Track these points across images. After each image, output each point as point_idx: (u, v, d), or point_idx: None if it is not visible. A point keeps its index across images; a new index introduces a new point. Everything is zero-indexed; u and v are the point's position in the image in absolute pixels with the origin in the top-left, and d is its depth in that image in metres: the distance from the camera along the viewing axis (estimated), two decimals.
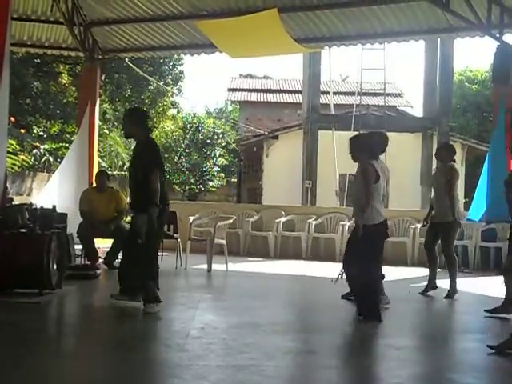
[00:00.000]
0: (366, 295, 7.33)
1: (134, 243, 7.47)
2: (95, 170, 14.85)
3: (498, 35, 11.83)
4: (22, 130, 26.70)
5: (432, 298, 9.41)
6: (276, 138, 27.37)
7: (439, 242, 9.49)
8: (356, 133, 9.65)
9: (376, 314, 7.28)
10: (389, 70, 58.01)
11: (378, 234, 7.38)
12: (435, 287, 9.52)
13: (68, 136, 28.71)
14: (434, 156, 10.53)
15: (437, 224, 9.35)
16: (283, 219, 15.13)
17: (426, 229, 9.72)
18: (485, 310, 7.87)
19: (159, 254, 8.03)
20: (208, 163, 30.06)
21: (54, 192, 14.31)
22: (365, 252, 7.29)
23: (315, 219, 14.99)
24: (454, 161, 9.50)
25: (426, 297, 9.42)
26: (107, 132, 30.58)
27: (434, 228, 9.44)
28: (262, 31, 12.97)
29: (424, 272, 9.94)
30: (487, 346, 5.94)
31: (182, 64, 30.19)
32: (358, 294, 7.41)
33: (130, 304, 7.64)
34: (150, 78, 26.89)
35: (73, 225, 11.24)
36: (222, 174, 31.22)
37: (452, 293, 9.23)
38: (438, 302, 9.24)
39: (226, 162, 31.16)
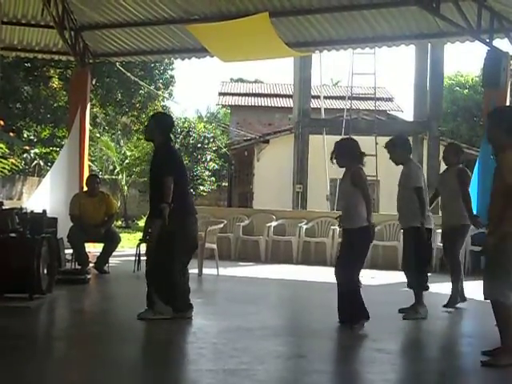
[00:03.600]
0: (354, 299, 7.33)
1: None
2: (86, 174, 14.82)
3: (488, 40, 11.86)
4: (12, 134, 26.63)
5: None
6: (267, 142, 27.39)
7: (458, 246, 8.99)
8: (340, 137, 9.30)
9: (363, 313, 7.30)
10: (379, 74, 58.23)
11: (364, 236, 7.37)
12: (464, 299, 8.96)
13: (58, 140, 28.65)
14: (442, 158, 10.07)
15: (449, 230, 8.88)
16: (274, 223, 15.13)
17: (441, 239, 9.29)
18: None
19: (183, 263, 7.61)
20: (199, 167, 30.01)
21: (45, 196, 14.26)
22: (351, 255, 7.32)
23: (306, 223, 14.98)
24: (462, 163, 9.02)
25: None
26: (98, 136, 30.54)
27: (447, 235, 8.99)
28: (253, 35, 12.98)
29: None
30: (482, 352, 5.92)
31: (173, 68, 30.19)
32: (346, 298, 7.39)
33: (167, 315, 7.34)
34: (141, 83, 26.85)
35: (63, 229, 11.20)
36: (213, 179, 31.16)
37: (452, 301, 8.80)
38: (433, 307, 9.15)
39: (216, 167, 31.11)
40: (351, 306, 7.33)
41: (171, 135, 7.90)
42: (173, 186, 7.18)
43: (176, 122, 32.60)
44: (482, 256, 6.04)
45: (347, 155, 7.48)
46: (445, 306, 8.83)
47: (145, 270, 7.54)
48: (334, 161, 7.58)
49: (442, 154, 9.85)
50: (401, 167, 8.62)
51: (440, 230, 9.34)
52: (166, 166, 7.31)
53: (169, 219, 7.13)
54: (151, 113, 30.15)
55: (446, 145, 10.67)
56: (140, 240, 10.55)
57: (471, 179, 9.15)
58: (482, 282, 5.83)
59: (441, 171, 14.33)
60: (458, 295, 8.86)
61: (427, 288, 8.30)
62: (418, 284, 8.25)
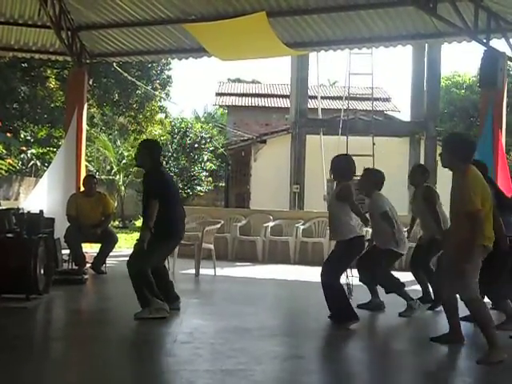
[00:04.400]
0: (339, 301, 7.45)
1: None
2: (83, 174, 14.79)
3: (484, 40, 11.87)
4: (9, 134, 26.60)
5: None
6: (264, 142, 27.37)
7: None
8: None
9: (351, 315, 7.39)
10: (376, 74, 58.14)
11: (353, 247, 7.56)
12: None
13: (55, 140, 28.60)
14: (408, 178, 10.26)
15: (425, 243, 8.95)
16: (271, 224, 15.12)
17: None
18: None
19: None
20: (196, 168, 29.97)
21: (42, 196, 14.26)
22: (338, 263, 7.56)
23: (303, 224, 14.98)
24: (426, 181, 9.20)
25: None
26: (95, 136, 30.49)
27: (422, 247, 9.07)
28: (250, 34, 12.98)
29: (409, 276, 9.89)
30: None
31: (170, 69, 30.14)
32: (332, 301, 7.52)
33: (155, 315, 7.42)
34: (138, 83, 26.82)
35: (60, 229, 11.20)
36: (210, 179, 31.12)
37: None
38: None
39: (213, 167, 31.06)
40: (336, 308, 7.50)
41: (160, 161, 8.22)
42: (159, 208, 7.51)
43: (173, 123, 32.64)
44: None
45: (341, 171, 7.72)
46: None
47: (129, 272, 7.57)
48: (331, 175, 7.91)
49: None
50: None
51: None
52: (151, 190, 7.68)
53: (154, 235, 7.49)
54: (148, 113, 30.25)
55: (413, 166, 10.84)
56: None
57: (437, 196, 9.11)
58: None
59: (437, 172, 14.32)
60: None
61: (404, 284, 8.47)
62: (393, 285, 8.45)
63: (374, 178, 8.81)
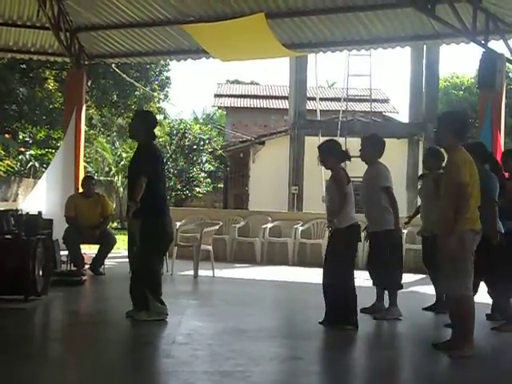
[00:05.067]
0: (344, 301, 7.31)
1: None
2: (81, 175, 14.79)
3: (483, 42, 11.87)
4: (7, 136, 26.59)
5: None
6: (262, 143, 27.39)
7: None
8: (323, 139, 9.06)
9: (353, 320, 7.27)
10: (375, 76, 58.16)
11: (351, 235, 7.38)
12: None
13: (54, 142, 28.60)
14: (422, 163, 9.99)
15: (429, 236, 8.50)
16: (270, 225, 15.12)
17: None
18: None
19: (161, 261, 7.91)
20: (194, 169, 30.03)
21: (40, 198, 14.26)
22: (340, 256, 7.30)
23: (302, 225, 14.98)
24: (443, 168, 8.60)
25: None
26: (94, 137, 30.50)
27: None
28: (249, 35, 13.01)
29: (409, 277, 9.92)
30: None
31: (169, 70, 30.17)
32: (334, 300, 7.38)
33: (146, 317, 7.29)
34: (137, 84, 26.81)
35: (59, 231, 11.20)
36: (209, 180, 31.18)
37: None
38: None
39: (212, 168, 31.13)
40: (341, 307, 7.33)
41: (154, 133, 7.87)
42: (147, 186, 7.17)
43: (172, 124, 32.66)
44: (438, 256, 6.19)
45: (330, 156, 7.58)
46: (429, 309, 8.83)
47: (130, 272, 7.52)
48: (322, 164, 7.75)
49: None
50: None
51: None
52: (143, 166, 7.33)
53: (144, 220, 7.20)
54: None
55: (426, 150, 10.48)
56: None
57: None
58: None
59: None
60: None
61: (402, 286, 8.29)
62: (392, 283, 8.22)
63: (378, 143, 8.47)
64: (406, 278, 9.00)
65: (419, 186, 9.85)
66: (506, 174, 8.03)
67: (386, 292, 8.35)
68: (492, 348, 7.06)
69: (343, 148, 7.87)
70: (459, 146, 6.07)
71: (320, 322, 7.44)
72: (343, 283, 7.28)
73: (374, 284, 8.50)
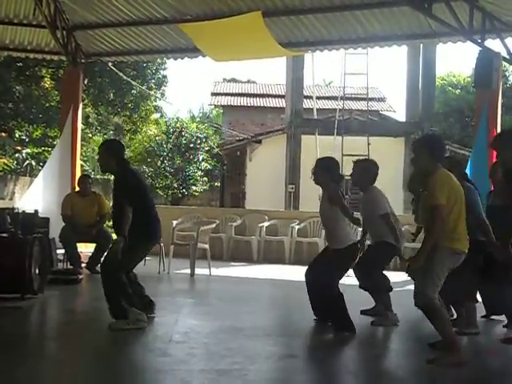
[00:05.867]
0: (335, 308, 7.26)
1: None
2: (78, 174, 14.78)
3: (479, 40, 11.88)
4: (4, 134, 26.58)
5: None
6: (259, 142, 27.38)
7: None
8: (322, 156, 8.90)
9: (348, 325, 7.16)
10: (372, 74, 58.28)
11: (349, 255, 7.35)
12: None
13: (50, 140, 28.59)
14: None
15: None
16: (266, 223, 15.12)
17: None
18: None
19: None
20: (191, 167, 29.98)
21: (37, 196, 14.23)
22: (333, 270, 7.29)
23: (298, 224, 14.99)
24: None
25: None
26: (90, 136, 30.49)
27: None
28: (245, 34, 12.97)
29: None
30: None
31: (166, 68, 30.14)
32: (326, 307, 7.38)
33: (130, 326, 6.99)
34: (133, 82, 26.79)
35: (55, 229, 11.19)
36: (206, 179, 31.12)
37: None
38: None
39: (209, 167, 31.05)
40: (334, 314, 7.30)
41: (125, 159, 7.66)
42: (135, 210, 7.00)
43: (168, 122, 32.61)
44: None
45: (325, 173, 7.49)
46: None
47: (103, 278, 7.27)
48: (312, 176, 7.65)
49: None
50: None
51: None
52: (127, 195, 7.14)
53: (131, 243, 6.97)
54: (143, 113, 30.23)
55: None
56: None
57: None
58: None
59: None
60: None
61: (391, 289, 8.17)
62: (381, 286, 8.14)
63: (371, 170, 8.30)
64: (403, 276, 8.99)
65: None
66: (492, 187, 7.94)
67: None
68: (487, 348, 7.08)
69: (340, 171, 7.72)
70: (437, 166, 5.98)
71: (315, 319, 7.52)
72: (328, 286, 7.24)
73: (360, 287, 8.38)
